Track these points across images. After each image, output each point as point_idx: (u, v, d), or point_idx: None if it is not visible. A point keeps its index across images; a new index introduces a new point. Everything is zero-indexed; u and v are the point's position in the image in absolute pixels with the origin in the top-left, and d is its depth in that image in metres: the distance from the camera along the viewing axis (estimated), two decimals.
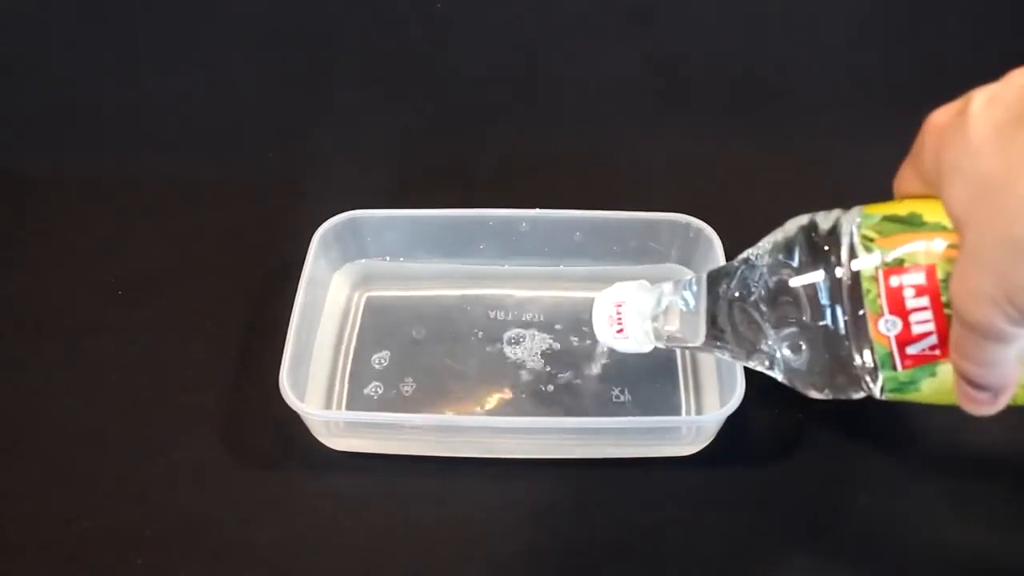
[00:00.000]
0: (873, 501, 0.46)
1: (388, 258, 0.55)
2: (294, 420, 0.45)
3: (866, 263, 0.34)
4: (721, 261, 0.50)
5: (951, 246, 0.33)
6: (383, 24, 0.70)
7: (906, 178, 0.36)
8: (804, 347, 0.37)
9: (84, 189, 0.61)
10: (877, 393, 0.37)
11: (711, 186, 0.60)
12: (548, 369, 0.50)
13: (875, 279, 0.34)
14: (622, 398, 0.49)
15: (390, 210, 0.54)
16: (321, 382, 0.50)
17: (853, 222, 0.36)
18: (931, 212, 0.34)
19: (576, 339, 0.51)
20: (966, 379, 0.33)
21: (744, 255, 0.40)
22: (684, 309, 0.41)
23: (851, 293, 0.35)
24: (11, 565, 0.44)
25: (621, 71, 0.69)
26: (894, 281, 0.34)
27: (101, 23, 0.70)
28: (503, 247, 0.54)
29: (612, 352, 0.45)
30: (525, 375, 0.50)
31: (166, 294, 0.55)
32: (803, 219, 0.38)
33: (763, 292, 0.38)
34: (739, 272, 0.39)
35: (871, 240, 0.35)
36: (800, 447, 0.48)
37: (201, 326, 0.53)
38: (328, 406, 0.49)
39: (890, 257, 0.34)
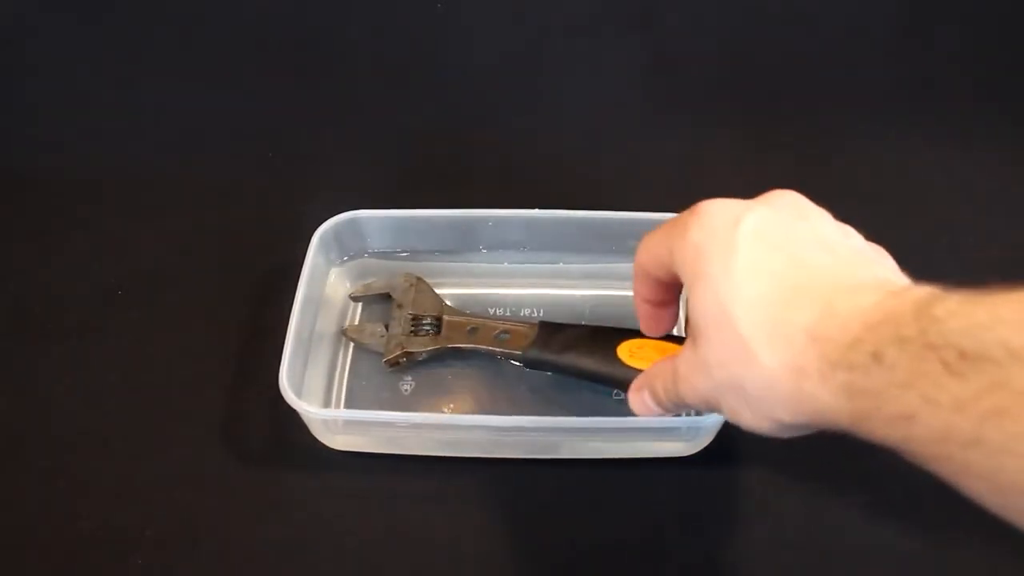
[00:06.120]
0: (873, 501, 0.46)
1: (387, 257, 0.55)
2: (294, 419, 0.45)
3: None
4: None
5: None
6: (383, 24, 0.70)
7: (656, 245, 0.36)
8: None
9: (84, 189, 0.61)
10: None
11: (711, 186, 0.60)
12: (548, 368, 0.50)
13: None
14: (622, 396, 0.49)
15: (390, 210, 0.54)
16: (320, 381, 0.50)
17: None
18: None
19: None
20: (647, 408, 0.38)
21: None
22: None
23: None
24: (11, 565, 0.44)
25: (621, 71, 0.69)
26: None
27: (100, 23, 0.70)
28: (503, 246, 0.54)
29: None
30: (525, 373, 0.50)
31: (166, 294, 0.55)
32: None
33: None
34: None
35: None
36: (800, 447, 0.48)
37: (201, 326, 0.53)
38: (327, 405, 0.49)
39: None
